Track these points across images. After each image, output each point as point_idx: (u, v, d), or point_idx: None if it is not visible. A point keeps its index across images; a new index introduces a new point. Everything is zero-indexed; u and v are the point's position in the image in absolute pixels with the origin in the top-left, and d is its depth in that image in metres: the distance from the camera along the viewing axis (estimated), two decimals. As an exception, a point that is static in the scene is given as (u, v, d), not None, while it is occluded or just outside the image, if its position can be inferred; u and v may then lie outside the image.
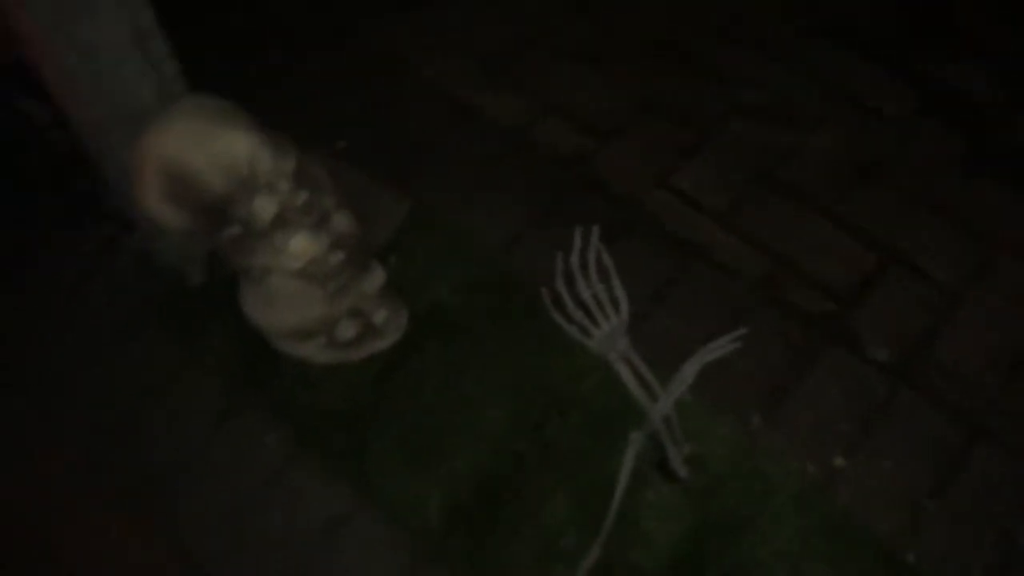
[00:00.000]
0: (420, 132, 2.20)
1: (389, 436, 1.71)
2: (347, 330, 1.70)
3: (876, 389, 1.78)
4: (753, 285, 1.92)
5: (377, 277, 1.71)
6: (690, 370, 1.62)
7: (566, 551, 1.58)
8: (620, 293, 1.70)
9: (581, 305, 1.73)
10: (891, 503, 1.66)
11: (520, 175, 2.09)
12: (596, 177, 2.10)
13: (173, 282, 1.90)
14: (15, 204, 2.06)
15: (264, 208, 1.43)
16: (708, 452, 1.69)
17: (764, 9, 2.42)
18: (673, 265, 1.95)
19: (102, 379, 1.83)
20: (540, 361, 1.77)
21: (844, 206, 2.03)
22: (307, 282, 1.58)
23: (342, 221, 1.58)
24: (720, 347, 1.68)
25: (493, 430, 1.70)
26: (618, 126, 2.20)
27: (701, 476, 1.66)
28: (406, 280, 1.87)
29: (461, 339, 1.81)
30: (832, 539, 1.61)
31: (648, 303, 1.87)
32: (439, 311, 1.85)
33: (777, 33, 2.38)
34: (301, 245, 1.52)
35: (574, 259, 1.78)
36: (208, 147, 1.36)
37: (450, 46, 2.38)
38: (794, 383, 1.80)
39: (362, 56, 2.36)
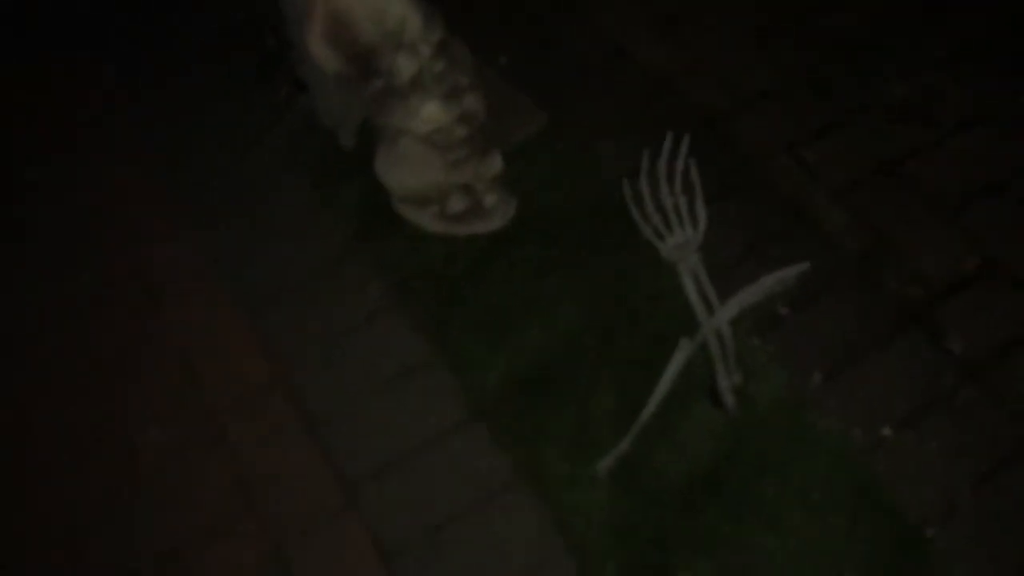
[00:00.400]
0: (575, 66, 2.36)
1: (473, 307, 1.89)
2: (457, 204, 1.89)
3: (943, 378, 1.80)
4: (850, 258, 1.97)
5: (495, 164, 1.88)
6: (749, 292, 1.69)
7: (600, 440, 1.70)
8: (701, 210, 1.80)
9: (660, 209, 1.83)
10: (927, 482, 1.68)
11: (655, 120, 2.20)
12: (728, 133, 2.20)
13: (328, 140, 2.14)
14: (219, 60, 2.39)
15: (404, 66, 1.63)
16: (761, 392, 1.77)
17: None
18: (779, 224, 2.02)
19: (253, 205, 2.11)
20: (626, 277, 1.89)
21: (962, 208, 2.04)
22: (431, 148, 1.78)
23: (472, 101, 1.76)
24: (783, 277, 1.73)
25: (565, 322, 1.84)
26: (762, 92, 2.28)
27: (748, 410, 1.74)
28: (525, 181, 2.04)
29: (560, 243, 1.96)
30: (857, 498, 1.66)
31: (743, 251, 1.95)
32: (546, 214, 2.01)
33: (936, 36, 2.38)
34: (431, 111, 1.72)
35: (662, 163, 1.87)
36: (369, 1, 1.58)
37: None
38: (864, 354, 1.84)
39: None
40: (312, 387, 1.86)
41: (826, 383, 1.81)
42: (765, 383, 1.78)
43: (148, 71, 2.47)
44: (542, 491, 1.69)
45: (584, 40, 2.44)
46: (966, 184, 2.09)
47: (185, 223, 2.14)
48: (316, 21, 1.62)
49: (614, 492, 1.67)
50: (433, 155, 1.80)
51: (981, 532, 1.62)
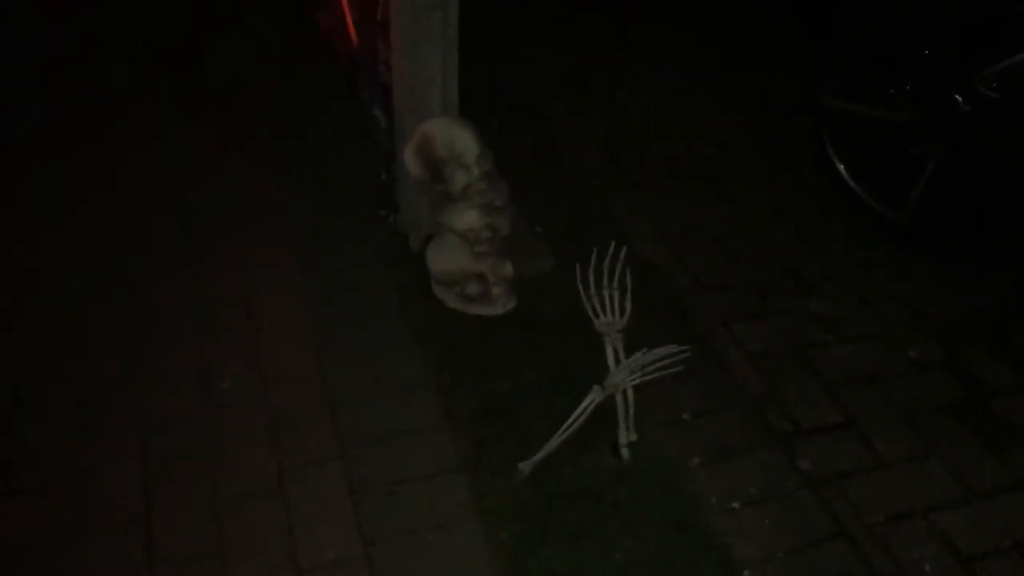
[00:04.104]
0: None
1: (466, 357, 2.65)
2: (473, 288, 2.70)
3: (787, 482, 2.43)
4: (746, 398, 2.67)
5: (507, 268, 2.72)
6: (647, 355, 2.32)
7: (533, 451, 2.36)
8: (628, 304, 2.51)
9: (599, 295, 2.51)
10: (754, 542, 2.28)
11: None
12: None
13: (403, 239, 3.03)
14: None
15: (459, 178, 2.53)
16: (650, 456, 2.43)
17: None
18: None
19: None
20: (573, 351, 2.62)
21: (842, 388, 2.74)
22: (464, 242, 2.63)
23: (500, 217, 2.63)
24: (673, 352, 2.34)
25: (530, 374, 2.58)
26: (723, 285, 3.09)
27: (637, 464, 2.40)
28: (524, 290, 2.86)
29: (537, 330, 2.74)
30: (699, 546, 2.25)
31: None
32: (529, 314, 2.80)
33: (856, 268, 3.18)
34: (471, 215, 2.59)
35: (605, 264, 2.55)
36: (447, 133, 2.52)
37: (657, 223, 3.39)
38: (735, 455, 2.50)
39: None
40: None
41: (700, 465, 2.46)
42: (656, 451, 2.44)
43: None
44: (478, 477, 2.35)
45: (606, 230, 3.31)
46: (848, 373, 2.79)
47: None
48: (412, 139, 2.56)
49: (526, 485, 2.32)
50: (465, 247, 2.65)
51: (790, 566, 2.20)
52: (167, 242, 3.10)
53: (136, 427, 2.43)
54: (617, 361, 2.38)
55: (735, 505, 2.36)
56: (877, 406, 2.68)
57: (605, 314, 2.47)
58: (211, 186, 3.39)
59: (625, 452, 2.40)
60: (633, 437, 2.41)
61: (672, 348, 2.34)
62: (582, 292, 2.50)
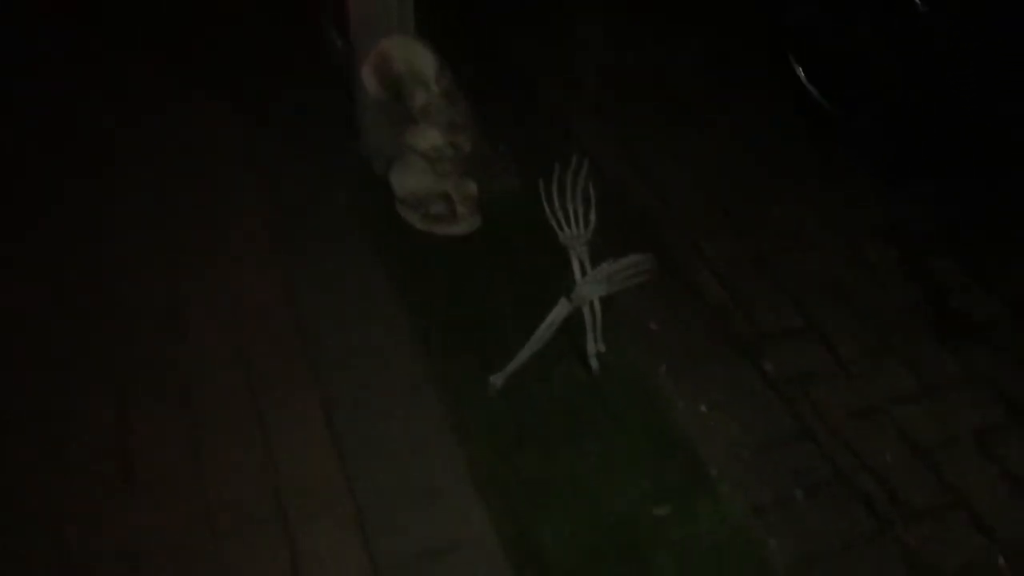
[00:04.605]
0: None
1: (434, 276, 2.67)
2: (438, 207, 2.70)
3: (753, 385, 2.50)
4: (710, 307, 2.72)
5: (471, 187, 2.72)
6: (612, 264, 2.36)
7: (502, 365, 2.39)
8: (592, 216, 2.53)
9: (563, 208, 2.51)
10: (718, 440, 2.34)
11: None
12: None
13: (367, 163, 3.01)
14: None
15: (418, 97, 2.51)
16: (619, 365, 2.47)
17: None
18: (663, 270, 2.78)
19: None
20: (540, 268, 2.63)
21: (803, 296, 2.79)
22: (426, 161, 2.63)
23: (462, 135, 2.62)
24: (639, 260, 2.38)
25: (498, 294, 2.61)
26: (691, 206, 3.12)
27: (606, 373, 2.44)
28: (492, 216, 2.86)
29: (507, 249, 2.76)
30: (670, 444, 2.31)
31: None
32: (495, 233, 2.81)
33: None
34: (432, 133, 2.58)
35: (568, 177, 2.54)
36: (404, 50, 2.49)
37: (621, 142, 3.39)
38: (701, 361, 2.55)
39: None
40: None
41: (668, 373, 2.51)
42: (624, 360, 2.49)
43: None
44: (451, 394, 2.38)
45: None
46: (810, 282, 2.84)
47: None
48: (369, 59, 2.53)
49: (498, 399, 2.36)
50: (428, 167, 2.64)
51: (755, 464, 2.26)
52: (131, 175, 3.05)
53: (107, 357, 2.43)
54: (583, 273, 2.41)
55: (702, 409, 2.43)
56: (838, 310, 2.74)
57: (570, 227, 2.48)
58: (179, 121, 3.32)
59: (594, 363, 2.44)
60: (601, 348, 2.45)
61: (637, 257, 2.37)
62: (546, 206, 2.51)
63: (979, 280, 2.88)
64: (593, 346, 2.43)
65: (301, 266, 2.73)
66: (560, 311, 2.35)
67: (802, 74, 3.46)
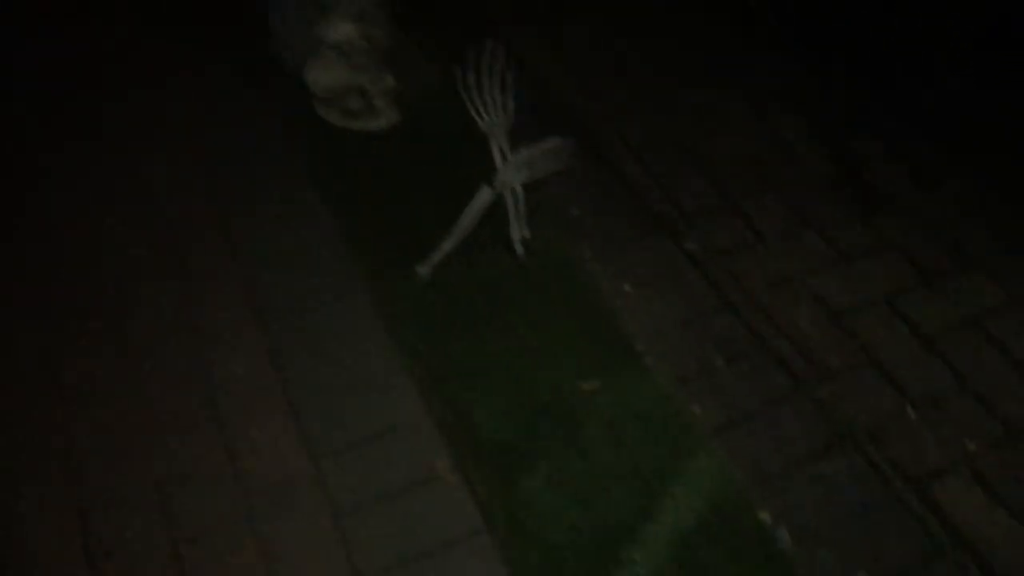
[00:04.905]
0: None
1: (357, 173, 2.65)
2: (355, 102, 2.67)
3: (676, 262, 2.56)
4: (630, 187, 2.76)
5: (387, 80, 2.68)
6: (532, 148, 2.35)
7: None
8: (510, 103, 2.54)
9: (480, 95, 2.49)
10: (646, 319, 2.41)
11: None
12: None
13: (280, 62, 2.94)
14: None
15: (329, -13, 2.45)
16: (545, 250, 2.51)
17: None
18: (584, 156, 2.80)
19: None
20: (464, 158, 2.61)
21: (726, 181, 2.84)
22: (340, 55, 2.57)
23: (375, 27, 2.57)
24: (559, 144, 2.37)
25: (421, 184, 2.60)
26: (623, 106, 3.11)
27: (532, 258, 2.47)
28: (412, 110, 2.83)
29: (426, 147, 2.74)
30: (597, 321, 2.37)
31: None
32: (415, 126, 2.79)
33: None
34: (344, 25, 2.53)
35: (484, 63, 2.51)
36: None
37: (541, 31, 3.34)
38: (625, 243, 2.60)
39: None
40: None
41: (592, 256, 2.55)
42: (549, 245, 2.52)
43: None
44: (380, 288, 2.39)
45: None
46: (729, 161, 2.89)
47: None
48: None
49: (427, 288, 2.38)
50: (342, 60, 2.59)
51: (679, 337, 2.34)
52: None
53: (42, 293, 2.39)
54: (504, 159, 2.41)
55: (626, 288, 2.48)
56: (756, 187, 2.81)
57: (489, 115, 2.48)
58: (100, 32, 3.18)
59: (519, 248, 2.47)
60: (526, 234, 2.48)
61: (556, 140, 2.38)
62: (463, 94, 2.49)
63: (890, 154, 2.96)
64: (518, 232, 2.46)
65: (223, 173, 2.68)
66: (482, 198, 2.36)
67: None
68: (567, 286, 2.46)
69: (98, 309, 2.32)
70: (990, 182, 2.87)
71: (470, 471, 2.04)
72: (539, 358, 2.27)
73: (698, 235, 2.63)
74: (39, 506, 1.94)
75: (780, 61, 3.31)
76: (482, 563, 1.89)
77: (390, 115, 2.72)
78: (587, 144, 2.81)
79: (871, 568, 1.93)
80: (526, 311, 2.37)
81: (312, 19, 2.55)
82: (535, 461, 2.06)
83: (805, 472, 2.09)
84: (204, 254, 2.48)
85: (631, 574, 1.87)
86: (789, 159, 2.92)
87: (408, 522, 1.95)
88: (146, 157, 2.72)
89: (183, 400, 2.14)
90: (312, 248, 2.51)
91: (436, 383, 2.20)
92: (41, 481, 1.98)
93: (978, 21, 3.18)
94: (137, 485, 1.98)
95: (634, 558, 1.90)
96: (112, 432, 2.07)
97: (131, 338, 2.26)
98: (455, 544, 1.92)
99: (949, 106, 3.10)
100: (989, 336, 2.40)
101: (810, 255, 2.61)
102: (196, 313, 2.33)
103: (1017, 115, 3.02)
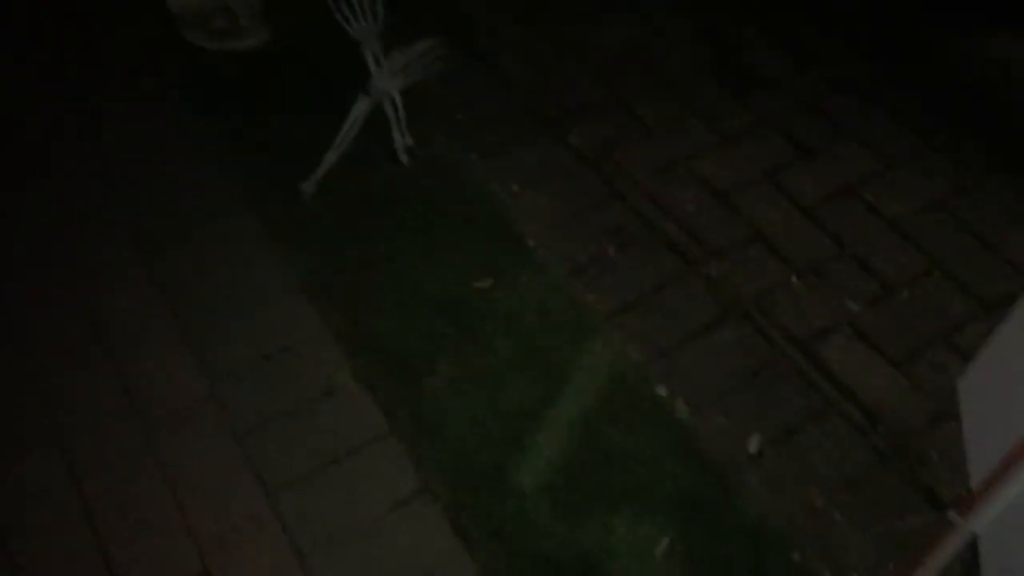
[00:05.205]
0: None
1: (232, 96, 2.57)
2: (220, 21, 2.58)
3: (563, 160, 2.57)
4: (520, 92, 2.74)
5: (252, -4, 2.59)
6: (405, 52, 2.33)
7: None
8: (380, 8, 2.48)
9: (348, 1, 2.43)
10: (540, 219, 2.42)
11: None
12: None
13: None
14: None
15: None
16: (430, 157, 2.49)
17: None
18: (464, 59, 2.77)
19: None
20: (341, 70, 2.56)
21: (615, 74, 2.84)
22: (200, -28, 2.48)
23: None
24: (431, 46, 2.35)
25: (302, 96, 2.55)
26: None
27: (417, 165, 2.45)
28: (282, 26, 2.75)
29: (300, 64, 2.67)
30: (493, 219, 2.38)
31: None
32: (291, 48, 2.72)
33: None
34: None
35: None
36: None
37: None
38: (509, 146, 2.60)
39: None
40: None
41: (479, 160, 2.55)
42: (434, 151, 2.51)
43: None
44: (266, 209, 2.35)
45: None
46: (608, 55, 2.90)
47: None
48: None
49: (313, 204, 2.35)
50: (202, -22, 2.50)
51: (569, 230, 2.36)
52: None
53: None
54: (377, 65, 2.37)
55: (515, 188, 2.49)
56: (638, 79, 2.83)
57: (358, 21, 2.41)
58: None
59: (403, 157, 2.45)
60: (409, 142, 2.45)
61: (428, 43, 2.34)
62: (330, 2, 2.41)
63: (765, 37, 3.00)
64: (400, 140, 2.43)
65: (96, 116, 2.58)
66: (360, 108, 2.32)
67: None
68: (455, 190, 2.45)
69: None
70: (861, 59, 2.94)
71: (372, 379, 2.05)
72: (432, 264, 2.28)
73: (582, 130, 2.64)
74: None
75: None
76: (390, 465, 1.92)
77: (260, 34, 2.64)
78: (467, 47, 2.78)
79: (764, 429, 2.01)
80: (415, 219, 2.37)
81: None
82: (436, 362, 2.08)
83: (699, 346, 2.16)
84: (81, 188, 2.40)
85: (536, 457, 1.92)
86: (669, 49, 2.94)
87: (313, 434, 1.95)
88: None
89: (70, 340, 2.09)
90: (191, 176, 2.45)
91: (331, 296, 2.19)
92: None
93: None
94: (34, 427, 1.94)
95: (538, 442, 1.94)
96: (2, 379, 2.01)
97: (8, 283, 2.18)
98: (361, 449, 1.93)
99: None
100: (864, 201, 2.49)
101: (692, 140, 2.65)
102: (74, 249, 2.26)
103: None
